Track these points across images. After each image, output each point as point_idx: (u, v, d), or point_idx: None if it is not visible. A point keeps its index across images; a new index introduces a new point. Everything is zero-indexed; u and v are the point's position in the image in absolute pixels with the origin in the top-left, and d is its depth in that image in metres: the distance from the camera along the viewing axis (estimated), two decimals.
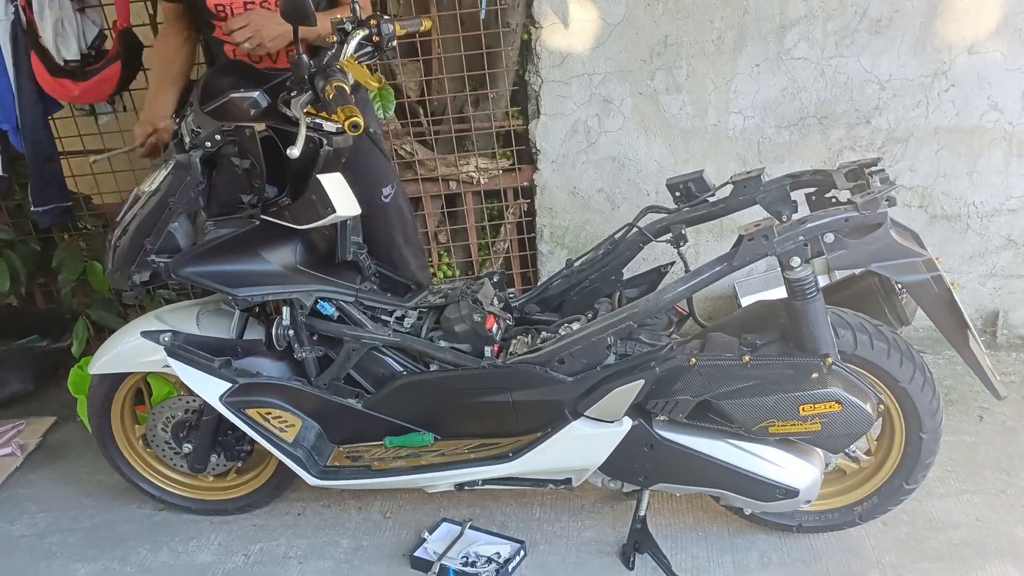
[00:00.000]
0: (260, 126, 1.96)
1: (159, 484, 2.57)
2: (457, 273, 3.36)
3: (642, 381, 1.98)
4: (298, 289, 2.13)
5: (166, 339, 2.15)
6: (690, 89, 3.01)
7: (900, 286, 2.06)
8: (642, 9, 2.91)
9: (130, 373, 2.38)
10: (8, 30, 2.76)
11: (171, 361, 2.14)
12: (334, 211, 1.90)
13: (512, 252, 3.35)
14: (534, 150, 3.13)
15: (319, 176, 1.92)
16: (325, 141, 2.04)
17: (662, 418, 2.08)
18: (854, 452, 2.18)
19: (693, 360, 1.99)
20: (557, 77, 3.01)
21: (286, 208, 2.02)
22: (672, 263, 2.39)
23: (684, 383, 2.00)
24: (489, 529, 2.43)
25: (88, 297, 3.16)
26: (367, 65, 2.22)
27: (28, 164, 2.91)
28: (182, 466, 2.48)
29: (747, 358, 1.96)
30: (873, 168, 2.00)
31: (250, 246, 2.09)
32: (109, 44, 2.85)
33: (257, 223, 2.05)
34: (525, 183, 3.19)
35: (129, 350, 2.27)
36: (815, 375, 1.91)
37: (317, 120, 2.00)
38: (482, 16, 2.93)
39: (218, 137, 1.93)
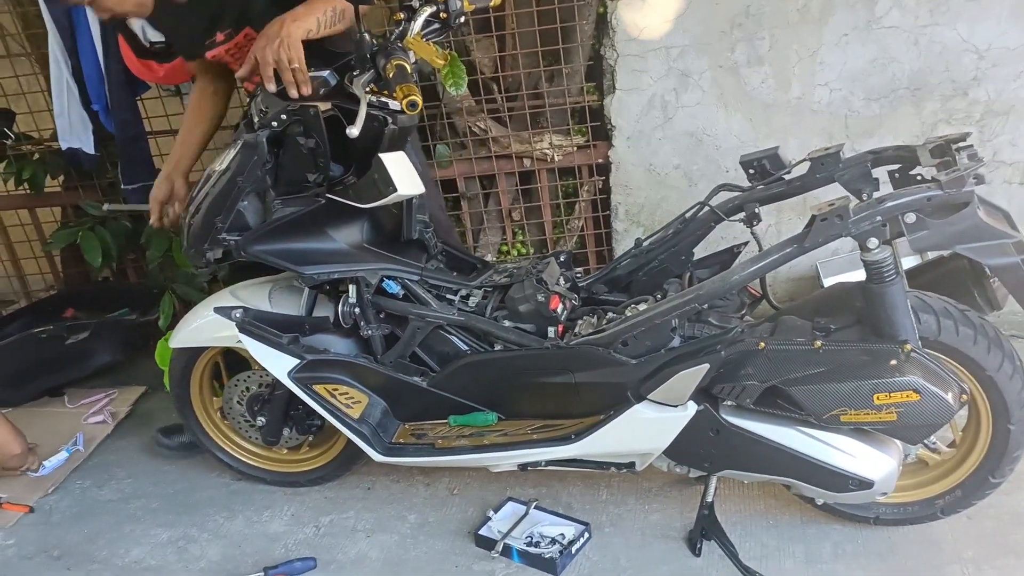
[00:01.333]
0: (325, 105, 1.97)
1: (235, 455, 2.65)
2: (531, 251, 3.34)
3: (707, 365, 1.92)
4: (363, 267, 2.15)
5: (237, 315, 2.19)
6: (772, 61, 2.89)
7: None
8: None
9: (206, 347, 2.45)
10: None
11: (242, 337, 2.19)
12: (395, 190, 1.90)
13: (587, 230, 3.30)
14: (609, 126, 3.06)
15: (381, 155, 1.92)
16: (390, 120, 2.03)
17: (729, 403, 2.02)
18: (935, 444, 2.07)
19: (762, 344, 1.92)
20: (633, 51, 2.94)
21: (351, 187, 2.03)
22: (745, 243, 2.31)
23: (752, 368, 1.93)
24: (554, 510, 2.42)
25: (174, 272, 3.26)
26: (436, 43, 2.21)
27: (117, 143, 3.01)
28: (256, 438, 2.55)
29: (819, 343, 1.88)
30: (961, 144, 1.88)
31: (317, 224, 2.11)
32: None
33: (323, 202, 2.06)
34: (600, 160, 3.14)
35: (205, 325, 2.34)
36: (892, 362, 1.81)
37: (382, 99, 2.00)
38: None
39: (284, 116, 1.95)
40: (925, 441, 2.02)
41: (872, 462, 1.95)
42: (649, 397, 2.02)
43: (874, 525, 2.20)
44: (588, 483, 2.52)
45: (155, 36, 2.88)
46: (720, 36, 2.88)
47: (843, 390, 1.84)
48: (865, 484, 1.96)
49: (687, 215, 2.29)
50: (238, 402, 2.50)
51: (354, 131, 1.81)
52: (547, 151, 3.09)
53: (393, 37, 2.09)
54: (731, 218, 2.23)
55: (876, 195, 2.03)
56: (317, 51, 2.19)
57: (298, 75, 1.92)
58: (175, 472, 2.82)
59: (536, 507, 2.42)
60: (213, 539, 2.50)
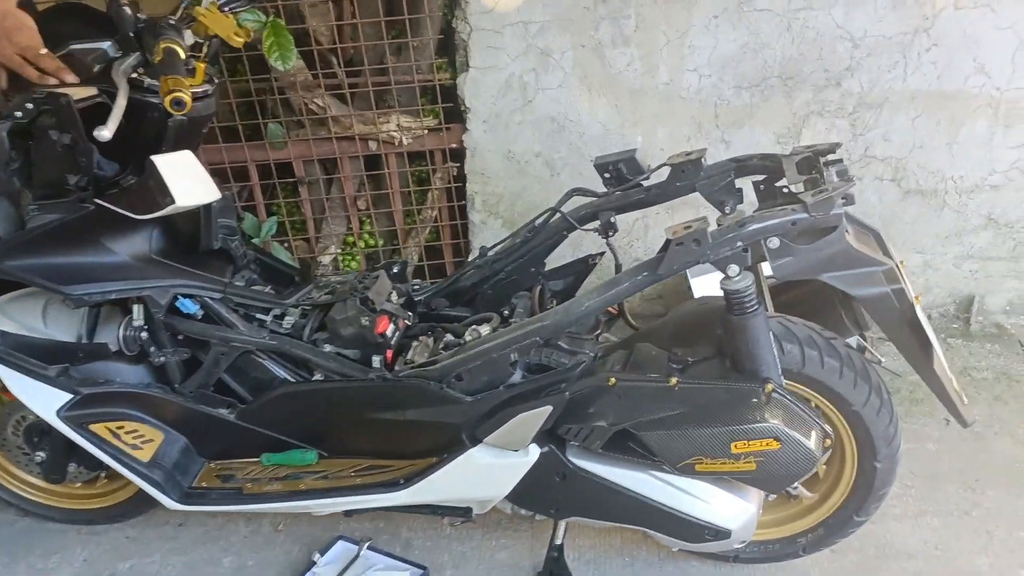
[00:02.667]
0: (87, 91, 1.59)
1: (14, 490, 2.26)
2: (380, 243, 3.02)
3: (550, 407, 1.67)
4: (149, 285, 1.79)
5: None
6: (639, 42, 2.64)
7: None
8: None
9: None
10: None
11: None
12: (172, 201, 1.55)
13: (442, 221, 3.00)
14: (463, 108, 2.76)
15: (155, 158, 1.56)
16: None
17: (576, 444, 1.78)
18: (795, 489, 1.89)
19: (612, 380, 1.68)
20: (488, 25, 2.63)
21: (123, 193, 1.67)
22: (601, 253, 2.07)
23: (601, 407, 1.70)
24: (389, 551, 2.15)
25: None
26: (239, 12, 1.86)
27: None
28: (39, 474, 2.17)
29: (675, 380, 1.65)
30: (831, 157, 1.67)
31: (87, 234, 1.74)
32: None
33: (91, 208, 1.69)
34: (454, 144, 2.83)
35: None
36: (751, 404, 1.60)
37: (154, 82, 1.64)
38: None
39: (30, 106, 1.56)
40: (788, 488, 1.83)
41: (730, 510, 1.76)
42: (486, 441, 1.75)
43: (734, 563, 2.03)
44: (431, 517, 2.26)
45: None
46: (583, 12, 2.60)
47: (699, 437, 1.63)
48: (722, 534, 1.77)
49: (537, 222, 2.03)
50: (13, 433, 2.11)
51: (105, 132, 1.45)
52: (394, 133, 2.76)
53: (184, 6, 1.72)
54: (585, 227, 1.98)
55: (739, 208, 1.82)
56: (94, 15, 1.78)
57: (46, 65, 1.52)
58: None
59: (369, 547, 2.15)
60: None
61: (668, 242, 1.59)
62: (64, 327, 1.93)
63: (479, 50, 2.67)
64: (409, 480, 1.83)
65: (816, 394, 1.77)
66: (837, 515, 1.91)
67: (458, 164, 2.87)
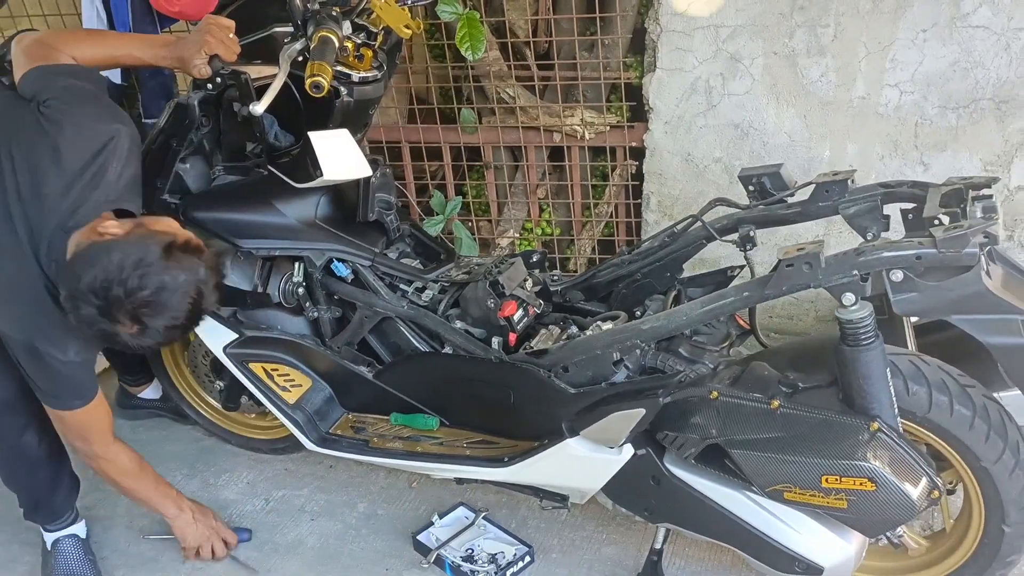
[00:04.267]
0: (268, 71, 1.80)
1: (202, 411, 2.59)
2: (557, 232, 3.11)
3: (643, 411, 1.69)
4: (308, 246, 2.00)
5: None
6: (836, 53, 2.53)
7: None
8: None
9: None
10: None
11: None
12: (321, 174, 1.73)
13: (617, 217, 3.04)
14: (647, 107, 2.77)
15: (312, 134, 1.74)
16: (343, 91, 1.85)
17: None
18: (900, 536, 1.77)
19: (715, 393, 1.67)
20: (679, 27, 2.62)
21: (288, 163, 1.87)
22: (742, 266, 2.03)
23: (700, 418, 1.69)
24: (504, 525, 2.25)
25: None
26: (412, 7, 2.01)
27: (138, 76, 2.95)
28: (219, 400, 2.48)
29: (776, 402, 1.62)
30: (982, 192, 1.55)
31: (262, 196, 1.97)
32: None
33: (264, 173, 1.92)
34: (634, 143, 2.85)
35: None
36: (851, 441, 1.54)
37: (338, 68, 1.83)
38: None
39: (218, 80, 1.80)
40: (888, 535, 1.72)
41: (824, 546, 1.69)
42: (583, 433, 1.80)
43: None
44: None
45: None
46: (778, 19, 2.53)
47: (790, 464, 1.59)
48: (814, 569, 1.70)
49: (677, 229, 2.04)
50: (203, 361, 2.43)
51: (257, 108, 1.64)
52: (577, 127, 2.83)
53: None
54: (724, 238, 1.96)
55: (883, 236, 1.73)
56: None
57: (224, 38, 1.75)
58: (153, 420, 2.79)
59: (485, 517, 2.26)
60: None
61: (779, 262, 1.55)
62: (244, 276, 2.18)
63: (667, 51, 2.67)
64: (512, 459, 1.91)
65: (944, 443, 1.65)
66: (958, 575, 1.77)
67: (637, 163, 2.89)
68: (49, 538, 2.20)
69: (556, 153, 3.02)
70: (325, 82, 1.56)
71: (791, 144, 2.67)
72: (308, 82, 1.56)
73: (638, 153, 2.89)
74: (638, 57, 2.79)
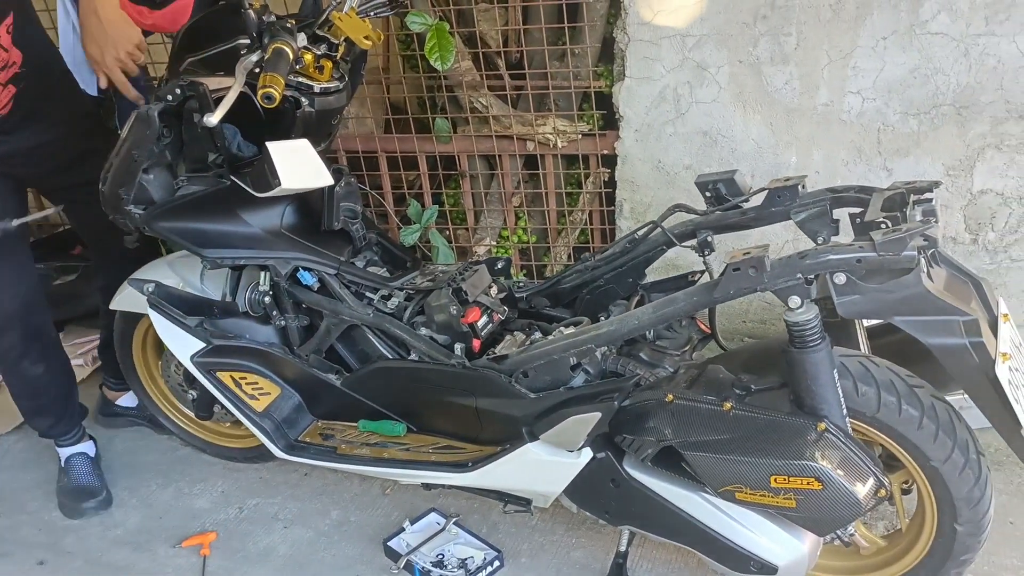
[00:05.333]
0: (226, 82, 1.83)
1: (177, 421, 2.62)
2: (534, 239, 3.14)
3: (599, 414, 1.72)
4: (274, 255, 2.03)
5: (149, 289, 2.13)
6: (799, 61, 2.56)
7: None
8: None
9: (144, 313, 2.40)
10: None
11: (151, 313, 2.13)
12: (280, 183, 1.76)
13: (591, 224, 3.07)
14: (617, 115, 2.81)
15: (270, 144, 1.77)
16: (304, 102, 1.89)
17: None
18: (851, 535, 1.79)
19: (670, 396, 1.70)
20: (646, 36, 2.66)
21: (249, 172, 1.90)
22: (702, 271, 2.06)
23: (655, 421, 1.72)
24: (474, 530, 2.27)
25: None
26: (380, 18, 2.05)
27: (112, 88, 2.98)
28: (192, 410, 2.50)
29: (729, 404, 1.64)
30: (922, 196, 1.58)
31: (226, 205, 2.00)
32: None
33: (227, 183, 1.95)
34: (607, 151, 2.89)
35: (136, 292, 2.28)
36: (799, 441, 1.56)
37: (299, 79, 1.86)
38: None
39: (178, 91, 1.83)
40: (837, 532, 1.75)
41: (778, 545, 1.72)
42: (541, 437, 1.83)
43: None
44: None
45: None
46: (742, 28, 2.56)
47: (741, 465, 1.61)
48: (768, 568, 1.73)
49: (638, 235, 2.07)
50: (175, 371, 2.46)
51: (211, 119, 1.68)
52: (550, 136, 2.87)
53: (328, 10, 1.93)
54: (684, 243, 1.99)
55: (834, 240, 1.76)
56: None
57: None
58: (130, 430, 2.82)
59: (456, 523, 2.28)
60: (139, 506, 2.50)
61: (727, 266, 1.58)
62: (216, 285, 2.22)
63: (636, 60, 2.70)
64: (476, 464, 1.94)
65: (894, 444, 1.68)
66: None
67: (610, 170, 2.92)
68: (63, 454, 2.53)
69: (530, 162, 3.05)
70: (276, 93, 1.59)
71: (758, 151, 2.71)
72: (260, 93, 1.59)
73: (610, 161, 2.92)
74: (608, 66, 2.82)
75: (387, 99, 3.11)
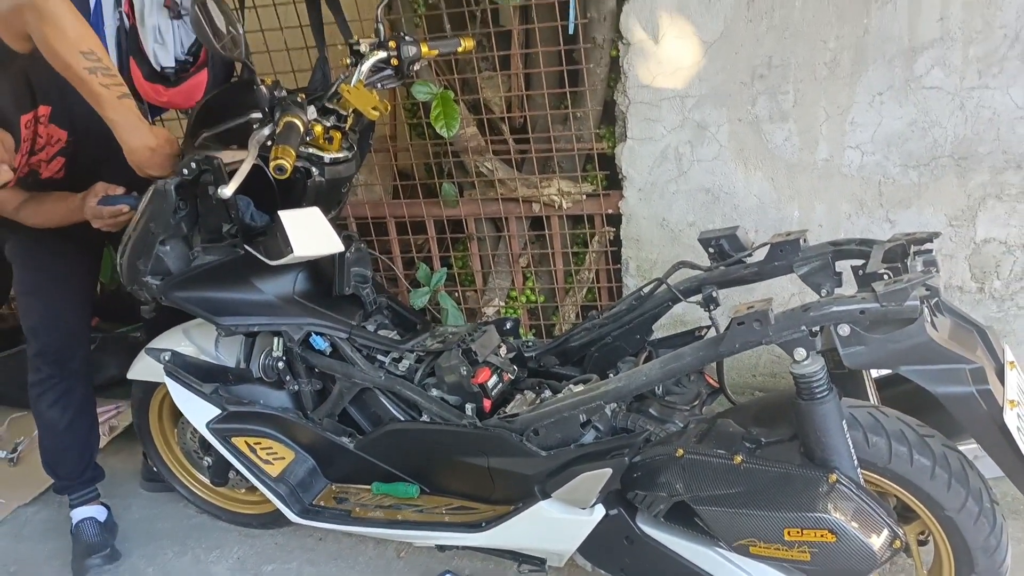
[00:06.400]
0: (242, 154, 1.89)
1: (193, 489, 2.63)
2: (542, 299, 3.18)
3: (610, 470, 1.73)
4: (286, 321, 2.07)
5: (165, 358, 2.16)
6: (797, 118, 2.62)
7: None
8: (743, 25, 2.56)
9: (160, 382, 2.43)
10: (114, 35, 2.90)
11: (167, 381, 2.16)
12: (292, 251, 1.80)
13: (598, 282, 3.11)
14: (621, 176, 2.87)
15: (282, 212, 1.82)
16: (315, 172, 1.94)
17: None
18: None
19: (680, 451, 1.71)
20: (646, 98, 2.73)
21: (262, 241, 1.95)
22: (708, 326, 2.08)
23: (668, 476, 1.73)
24: None
25: None
26: (388, 89, 2.12)
27: None
28: (207, 476, 2.52)
29: (739, 458, 1.65)
30: (922, 247, 1.61)
31: (239, 274, 2.04)
32: None
33: (241, 252, 1.99)
34: (611, 210, 2.94)
35: (153, 361, 2.32)
36: (811, 493, 1.57)
37: (311, 150, 1.93)
38: (570, 31, 2.71)
39: (193, 165, 1.89)
40: None
41: None
42: (554, 495, 1.84)
43: None
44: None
45: (166, 60, 2.91)
46: (740, 87, 2.63)
47: (754, 518, 1.61)
48: None
49: (644, 291, 2.10)
50: (190, 438, 2.48)
51: (226, 191, 1.73)
52: (555, 197, 2.92)
53: (337, 83, 2.00)
54: (689, 299, 2.02)
55: (837, 291, 1.79)
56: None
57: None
58: (147, 497, 2.84)
59: None
60: (157, 575, 2.49)
61: (731, 320, 1.61)
62: (230, 352, 2.26)
63: (637, 122, 2.77)
64: (489, 524, 1.94)
65: (908, 494, 1.68)
66: None
67: (615, 229, 2.97)
68: (74, 517, 2.58)
69: (536, 223, 3.10)
70: (288, 165, 1.64)
71: (761, 206, 2.75)
72: (272, 165, 1.65)
73: (615, 220, 2.97)
74: (609, 128, 2.89)
75: (395, 166, 3.18)
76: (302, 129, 1.71)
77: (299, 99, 1.81)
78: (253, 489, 2.55)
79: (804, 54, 2.54)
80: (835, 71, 2.54)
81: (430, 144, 3.02)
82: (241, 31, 1.74)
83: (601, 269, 3.08)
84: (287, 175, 1.65)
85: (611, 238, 3.00)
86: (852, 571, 1.58)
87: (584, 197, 2.94)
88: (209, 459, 2.42)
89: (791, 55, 2.55)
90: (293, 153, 1.66)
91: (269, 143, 1.78)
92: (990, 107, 2.45)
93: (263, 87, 1.79)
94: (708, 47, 2.61)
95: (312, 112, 1.83)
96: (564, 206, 2.94)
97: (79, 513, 2.59)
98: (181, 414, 2.50)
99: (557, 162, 2.94)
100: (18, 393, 3.29)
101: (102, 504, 2.64)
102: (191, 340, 2.30)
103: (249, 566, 2.50)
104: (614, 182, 2.93)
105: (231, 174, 1.83)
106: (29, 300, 2.39)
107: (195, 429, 2.44)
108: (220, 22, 1.70)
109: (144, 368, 2.38)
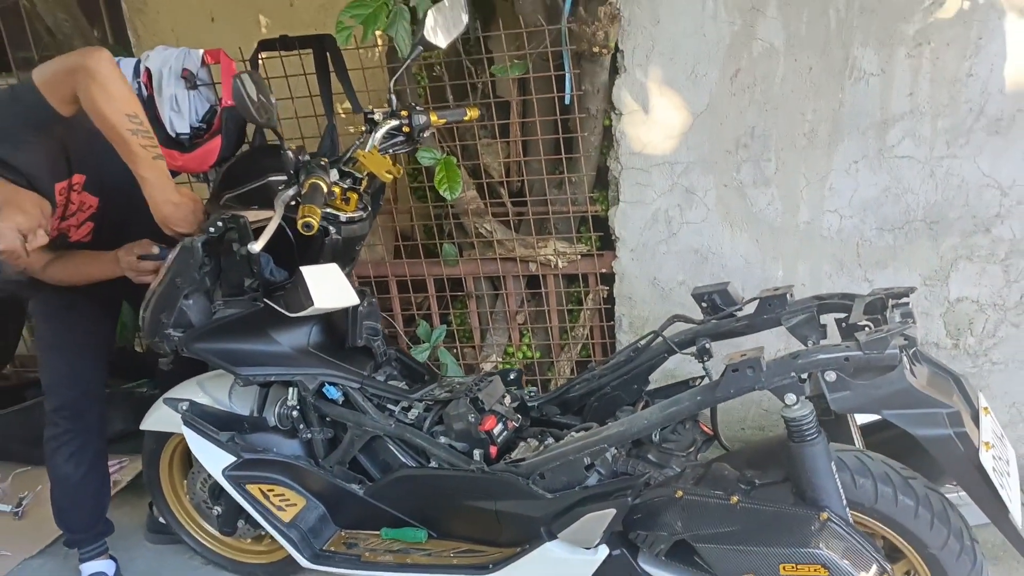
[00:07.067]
0: (267, 213, 2.02)
1: (200, 539, 2.68)
2: (538, 355, 3.29)
3: (613, 511, 1.83)
4: (301, 371, 2.17)
5: (183, 408, 2.25)
6: (779, 183, 2.79)
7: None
8: (727, 98, 2.74)
9: (174, 432, 2.51)
10: None
11: (185, 430, 2.24)
12: (312, 304, 1.92)
13: (593, 339, 3.23)
14: (614, 237, 3.02)
15: (303, 268, 1.95)
16: (332, 230, 2.07)
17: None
18: None
19: (679, 492, 1.82)
20: (637, 164, 2.90)
21: (282, 295, 2.07)
22: (702, 377, 2.21)
23: (667, 517, 1.83)
24: None
25: None
26: (400, 154, 2.26)
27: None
28: (216, 526, 2.58)
29: (736, 498, 1.76)
30: (900, 300, 1.75)
31: (258, 326, 2.15)
32: None
33: (261, 306, 2.11)
34: (604, 270, 3.08)
35: (169, 412, 2.40)
36: (804, 530, 1.68)
37: (327, 210, 2.06)
38: (567, 102, 2.89)
39: (220, 224, 2.01)
40: None
41: None
42: (559, 536, 1.93)
43: None
44: None
45: (181, 127, 3.06)
46: (725, 155, 2.81)
47: (751, 555, 1.72)
48: None
49: (640, 344, 2.22)
50: (200, 488, 2.55)
51: (255, 246, 1.86)
52: (551, 257, 3.07)
53: (353, 149, 2.14)
54: (684, 351, 2.15)
55: (823, 343, 1.92)
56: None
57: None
58: (152, 550, 2.88)
59: None
60: None
61: (726, 367, 1.73)
62: (244, 402, 2.35)
63: (629, 186, 2.93)
64: (496, 566, 2.03)
65: (894, 533, 1.79)
66: None
67: (608, 288, 3.11)
68: (83, 572, 2.65)
69: (533, 281, 3.24)
70: (315, 222, 1.77)
71: (747, 265, 2.90)
72: (300, 223, 1.77)
73: (608, 279, 3.11)
74: (603, 192, 3.05)
75: (396, 227, 3.32)
76: (325, 190, 1.85)
77: (322, 163, 1.95)
78: (259, 539, 2.62)
79: (784, 125, 2.73)
80: (813, 141, 2.72)
81: (431, 206, 3.17)
82: (273, 101, 1.88)
83: (595, 326, 3.21)
84: (313, 232, 1.77)
85: (605, 296, 3.14)
86: None
87: (579, 257, 3.09)
88: (219, 508, 2.49)
89: (772, 126, 2.74)
90: (319, 212, 1.79)
91: (293, 203, 1.91)
92: (959, 175, 2.63)
93: (289, 151, 1.93)
94: (695, 118, 2.79)
95: (334, 175, 1.96)
96: (559, 265, 3.09)
97: (89, 567, 2.64)
98: (191, 465, 2.60)
99: (553, 224, 3.09)
100: (22, 448, 3.39)
101: (111, 558, 2.70)
102: (206, 391, 2.39)
103: None
104: (607, 243, 3.09)
105: (255, 231, 1.95)
106: (51, 356, 2.48)
107: (205, 479, 2.52)
108: (253, 92, 1.84)
109: (159, 419, 2.46)
